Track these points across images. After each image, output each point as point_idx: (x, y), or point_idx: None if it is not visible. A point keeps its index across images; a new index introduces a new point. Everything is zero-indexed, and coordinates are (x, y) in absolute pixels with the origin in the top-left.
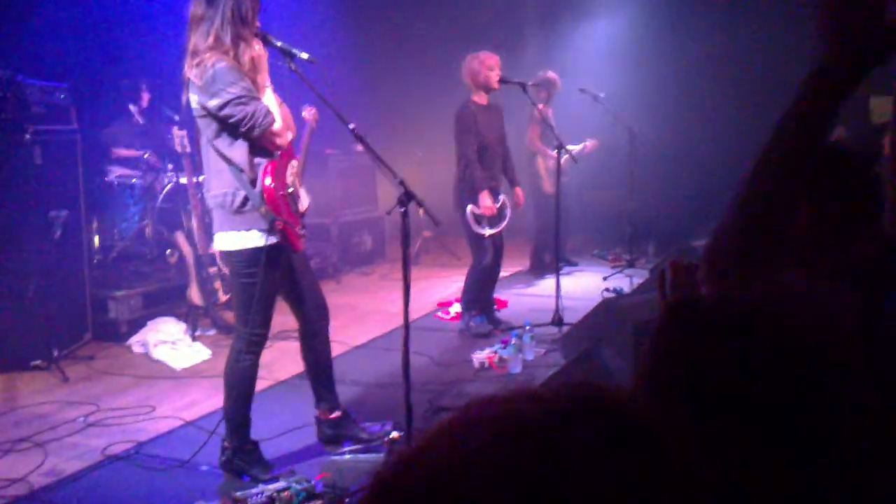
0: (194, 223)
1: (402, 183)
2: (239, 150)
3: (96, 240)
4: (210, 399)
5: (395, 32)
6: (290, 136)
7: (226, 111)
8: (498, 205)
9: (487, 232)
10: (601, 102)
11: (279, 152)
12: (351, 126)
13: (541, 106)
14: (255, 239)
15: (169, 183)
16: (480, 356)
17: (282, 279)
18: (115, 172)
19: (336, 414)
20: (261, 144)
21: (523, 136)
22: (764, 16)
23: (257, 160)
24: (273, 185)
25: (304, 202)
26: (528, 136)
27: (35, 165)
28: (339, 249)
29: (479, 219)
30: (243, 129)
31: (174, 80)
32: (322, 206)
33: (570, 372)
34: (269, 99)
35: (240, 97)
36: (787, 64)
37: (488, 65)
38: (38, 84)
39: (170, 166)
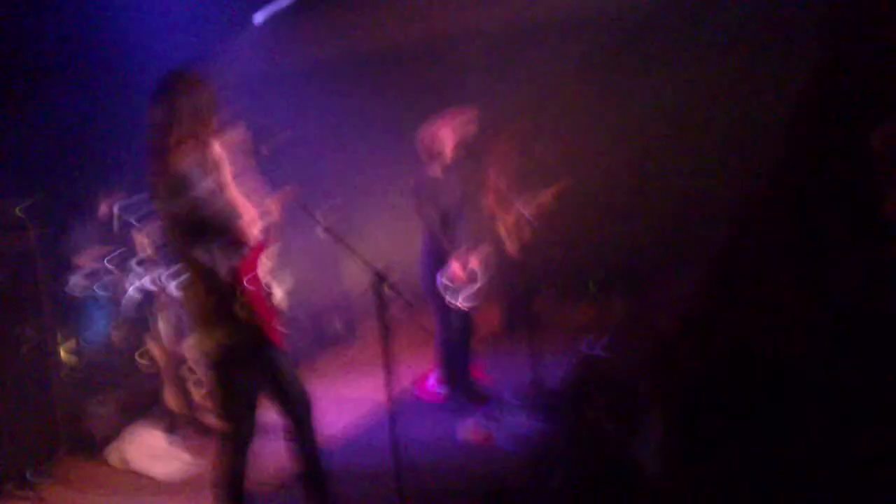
0: (162, 324)
1: (373, 267)
2: (209, 250)
3: (62, 352)
4: None
5: (346, 108)
6: (258, 229)
7: (191, 213)
8: (467, 272)
9: (460, 301)
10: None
11: (249, 248)
12: (318, 220)
13: (493, 168)
14: (232, 338)
15: (133, 287)
16: (464, 431)
17: (263, 376)
18: (77, 282)
19: None
20: (230, 242)
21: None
22: (737, 54)
23: (228, 258)
24: (247, 282)
25: (280, 296)
26: (484, 199)
27: None
28: (310, 335)
29: (450, 289)
30: (210, 229)
31: (134, 185)
32: (289, 293)
33: (556, 437)
34: (234, 195)
35: (204, 198)
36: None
37: (439, 136)
38: None
39: (134, 271)
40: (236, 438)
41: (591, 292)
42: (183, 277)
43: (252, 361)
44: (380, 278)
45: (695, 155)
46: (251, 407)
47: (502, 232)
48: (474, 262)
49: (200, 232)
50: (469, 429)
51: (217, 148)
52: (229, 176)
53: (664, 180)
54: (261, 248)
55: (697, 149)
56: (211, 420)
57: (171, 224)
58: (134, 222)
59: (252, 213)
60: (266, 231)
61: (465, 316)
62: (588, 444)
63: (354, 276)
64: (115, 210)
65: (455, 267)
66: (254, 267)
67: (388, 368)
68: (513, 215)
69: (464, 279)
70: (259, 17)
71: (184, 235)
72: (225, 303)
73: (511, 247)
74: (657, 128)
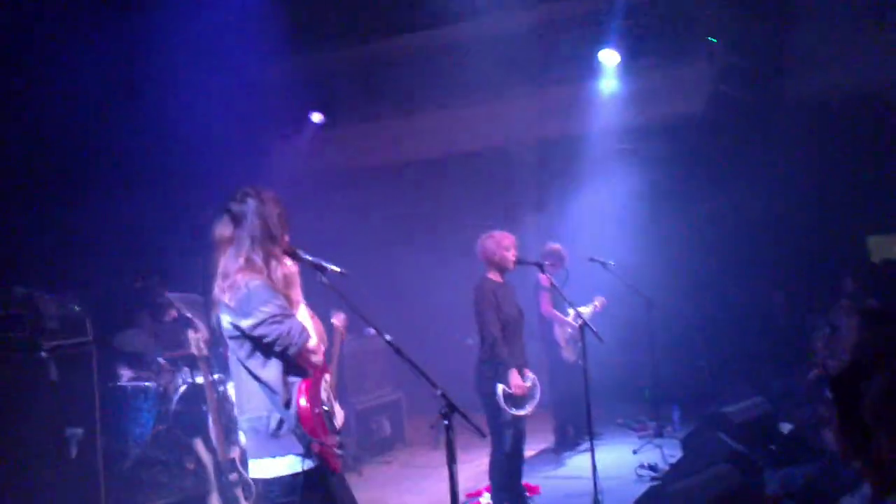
0: (212, 426)
1: (443, 395)
2: (272, 370)
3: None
4: None
5: (392, 213)
6: (323, 349)
7: (260, 331)
8: (528, 384)
9: (521, 412)
10: (611, 271)
11: (314, 369)
12: (387, 338)
13: (545, 276)
14: (291, 464)
15: (183, 384)
16: None
17: (320, 502)
18: (127, 376)
19: None
20: (296, 363)
21: (531, 306)
22: (761, 175)
23: (291, 379)
24: (308, 404)
25: (340, 418)
26: (541, 305)
27: (50, 382)
28: (357, 438)
29: (508, 399)
30: (279, 349)
31: (183, 273)
32: (338, 394)
33: None
34: (303, 315)
35: (274, 316)
36: (790, 220)
37: (504, 245)
38: (52, 298)
39: (185, 369)
40: None
41: (645, 401)
42: (245, 398)
43: (311, 489)
44: (450, 407)
45: (761, 265)
46: None
47: (560, 338)
48: (535, 377)
49: (267, 351)
50: None
51: (288, 265)
52: (299, 294)
53: (723, 290)
54: (325, 367)
55: (762, 260)
56: None
57: (235, 339)
58: (190, 317)
59: (320, 334)
60: (331, 351)
61: (519, 430)
62: None
63: (403, 378)
64: (170, 305)
65: (517, 379)
66: (317, 389)
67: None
68: (571, 320)
69: (525, 391)
70: (317, 118)
71: (250, 354)
72: (284, 426)
73: (568, 353)
74: (716, 238)
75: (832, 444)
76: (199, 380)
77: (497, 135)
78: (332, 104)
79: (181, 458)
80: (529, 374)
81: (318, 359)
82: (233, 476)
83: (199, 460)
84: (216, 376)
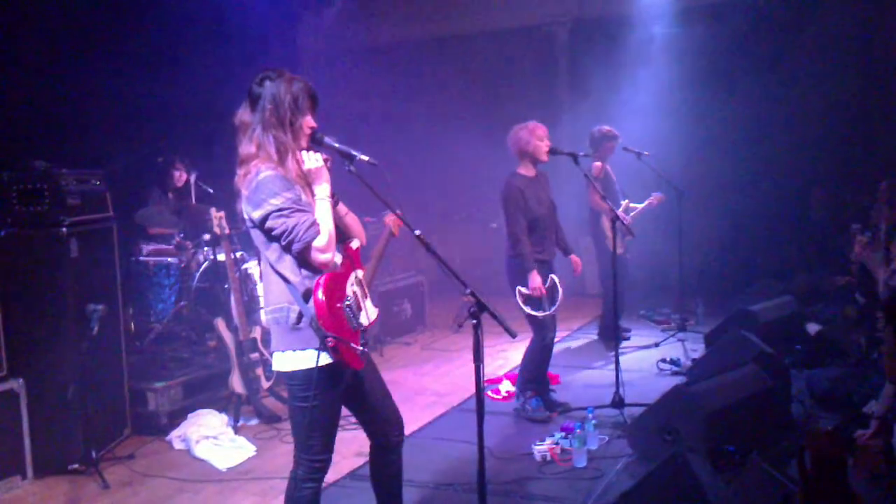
0: (233, 304)
1: (473, 294)
2: (289, 263)
3: (132, 325)
4: None
5: (428, 92)
6: (356, 244)
7: (267, 223)
8: (547, 284)
9: (540, 313)
10: (645, 161)
11: (339, 263)
12: (417, 232)
13: (599, 164)
14: (310, 358)
15: (205, 261)
16: (542, 448)
17: (347, 397)
18: (148, 250)
19: None
20: (303, 259)
21: (584, 196)
22: (807, 67)
23: (308, 272)
24: (324, 298)
25: (371, 314)
26: (590, 196)
27: (71, 259)
28: (380, 320)
29: (529, 299)
30: (283, 243)
31: (206, 159)
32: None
33: (655, 481)
34: (322, 210)
35: (280, 209)
36: (828, 113)
37: (538, 135)
38: (72, 173)
39: (206, 249)
40: (312, 463)
41: (674, 294)
42: (268, 290)
43: (331, 384)
44: (480, 306)
45: (800, 160)
46: (329, 431)
47: (608, 230)
48: (555, 277)
49: (278, 244)
50: (545, 446)
51: (311, 157)
52: (323, 189)
53: (759, 185)
54: (357, 263)
55: (802, 156)
56: (273, 406)
57: (256, 232)
58: (209, 190)
59: (358, 231)
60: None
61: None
62: (673, 481)
63: (425, 261)
64: (195, 183)
65: (535, 281)
66: (341, 283)
67: (480, 403)
68: (622, 212)
69: (542, 292)
70: None
71: (267, 245)
72: (303, 320)
73: (611, 244)
74: (756, 131)
75: (856, 349)
76: (221, 257)
77: (533, 12)
78: None
79: (203, 333)
80: (551, 276)
81: (325, 258)
82: (254, 355)
83: (220, 338)
84: (238, 255)
